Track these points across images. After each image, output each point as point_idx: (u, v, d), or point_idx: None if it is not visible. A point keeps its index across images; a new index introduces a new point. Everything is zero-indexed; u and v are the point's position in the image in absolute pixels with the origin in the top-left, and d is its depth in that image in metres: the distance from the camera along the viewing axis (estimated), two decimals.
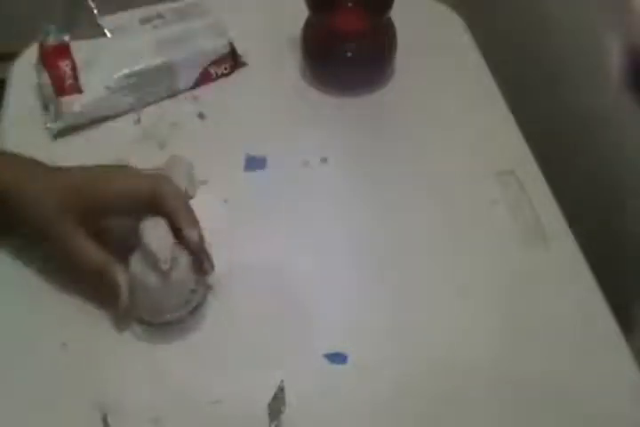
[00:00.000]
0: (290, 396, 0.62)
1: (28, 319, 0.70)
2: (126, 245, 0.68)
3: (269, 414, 0.62)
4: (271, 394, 0.62)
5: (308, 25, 0.89)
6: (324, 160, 0.83)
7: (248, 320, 0.70)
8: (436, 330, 0.70)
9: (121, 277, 0.66)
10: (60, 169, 0.71)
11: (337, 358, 0.68)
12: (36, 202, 0.68)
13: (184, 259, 0.67)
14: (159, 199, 0.67)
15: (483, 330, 0.70)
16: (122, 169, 0.71)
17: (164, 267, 0.65)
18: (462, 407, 0.65)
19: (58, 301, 0.70)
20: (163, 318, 0.68)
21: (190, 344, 0.69)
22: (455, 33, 0.97)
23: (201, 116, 0.87)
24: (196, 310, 0.69)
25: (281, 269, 0.74)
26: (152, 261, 0.65)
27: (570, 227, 0.77)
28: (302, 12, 0.87)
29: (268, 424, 0.62)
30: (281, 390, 0.62)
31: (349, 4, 0.85)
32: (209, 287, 0.71)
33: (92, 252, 0.67)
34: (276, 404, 0.62)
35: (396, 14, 0.86)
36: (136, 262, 0.67)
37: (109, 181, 0.69)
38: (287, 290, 0.72)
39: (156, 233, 0.66)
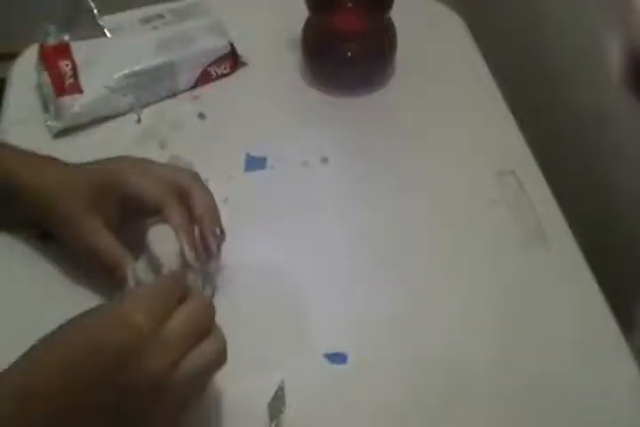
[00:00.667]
0: (290, 396, 0.62)
1: (36, 314, 0.69)
2: (133, 249, 0.68)
3: (269, 414, 0.62)
4: (271, 394, 0.62)
5: (308, 25, 0.89)
6: (324, 160, 0.83)
7: (248, 320, 0.70)
8: (436, 330, 0.70)
9: (130, 273, 0.66)
10: (73, 164, 0.71)
11: (337, 357, 0.68)
12: (59, 196, 0.67)
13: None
14: (187, 195, 0.68)
15: (483, 330, 0.70)
16: (145, 164, 0.70)
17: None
18: (462, 407, 0.65)
19: (66, 298, 0.70)
20: None
21: None
22: (455, 33, 0.97)
23: (201, 116, 0.87)
24: None
25: (281, 269, 0.74)
26: (157, 268, 0.65)
27: (570, 227, 0.77)
28: (302, 12, 0.87)
29: (267, 424, 0.62)
30: (281, 389, 0.62)
31: (349, 4, 0.85)
32: (215, 291, 0.71)
33: (111, 246, 0.67)
34: (276, 404, 0.62)
35: (396, 14, 0.86)
36: (141, 268, 0.67)
37: (134, 174, 0.68)
38: (287, 290, 0.72)
39: (162, 239, 0.66)
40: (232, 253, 0.71)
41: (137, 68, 0.86)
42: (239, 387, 0.65)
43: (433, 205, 0.79)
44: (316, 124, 0.87)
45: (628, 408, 0.65)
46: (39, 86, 0.88)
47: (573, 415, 0.65)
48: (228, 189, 0.79)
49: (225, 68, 0.91)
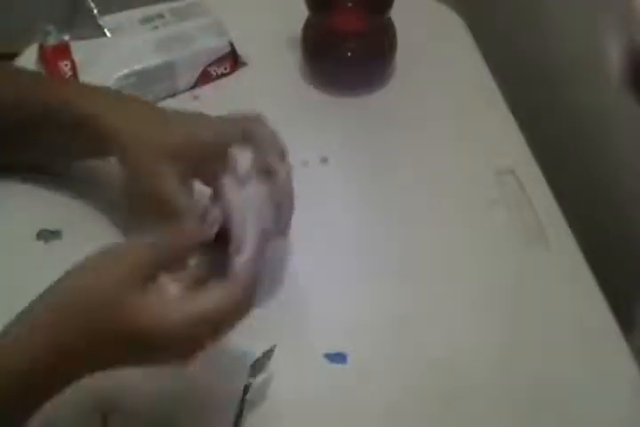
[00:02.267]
0: (290, 396, 0.62)
1: None
2: None
3: (251, 368, 0.62)
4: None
5: (308, 25, 0.89)
6: (324, 160, 0.83)
7: (248, 320, 0.70)
8: (436, 330, 0.70)
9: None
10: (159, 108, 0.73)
11: (337, 357, 0.68)
12: (138, 134, 0.68)
13: None
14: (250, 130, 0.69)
15: (483, 330, 0.70)
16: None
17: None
18: (462, 407, 0.65)
19: None
20: None
21: None
22: (455, 33, 0.97)
23: None
24: None
25: (281, 268, 0.74)
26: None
27: (570, 227, 0.77)
28: (302, 12, 0.87)
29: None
30: (271, 351, 0.63)
31: (349, 4, 0.85)
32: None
33: (180, 196, 0.66)
34: (262, 362, 0.63)
35: (396, 14, 0.86)
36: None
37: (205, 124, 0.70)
38: (287, 290, 0.72)
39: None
40: None
41: (137, 68, 0.86)
42: (239, 387, 0.65)
43: (433, 205, 0.79)
44: (315, 124, 0.87)
45: (627, 408, 0.65)
46: None
47: (573, 415, 0.65)
48: None
49: (225, 68, 0.91)
